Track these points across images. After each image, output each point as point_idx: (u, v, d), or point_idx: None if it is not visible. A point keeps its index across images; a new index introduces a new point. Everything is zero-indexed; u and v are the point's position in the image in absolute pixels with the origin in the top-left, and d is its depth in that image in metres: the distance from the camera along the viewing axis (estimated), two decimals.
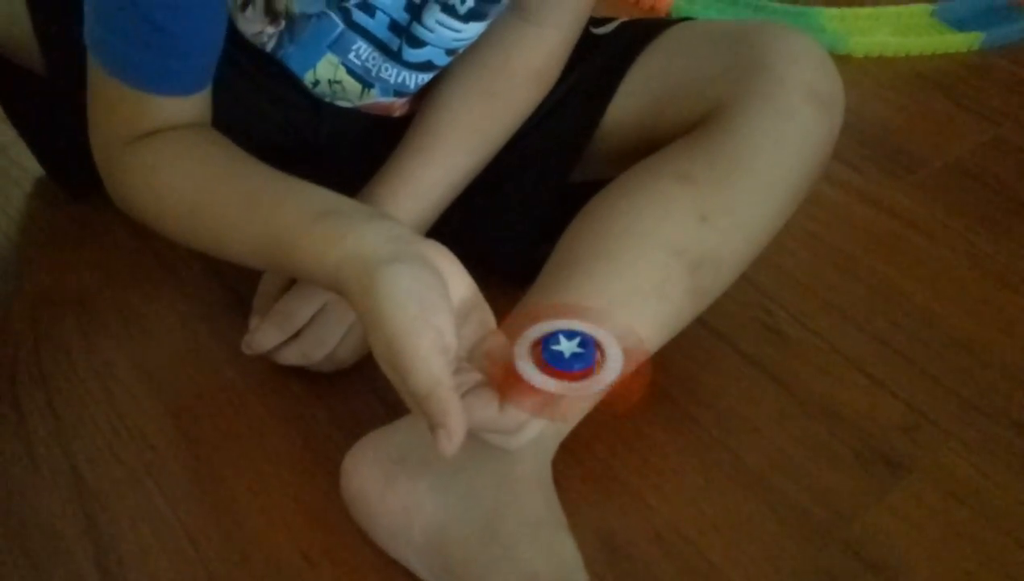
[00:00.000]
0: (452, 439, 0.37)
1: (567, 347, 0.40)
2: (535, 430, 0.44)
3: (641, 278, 0.51)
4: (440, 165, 0.59)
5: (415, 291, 0.39)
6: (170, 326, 0.62)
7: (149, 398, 0.57)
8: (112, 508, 0.51)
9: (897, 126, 0.90)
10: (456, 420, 0.37)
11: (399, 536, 0.46)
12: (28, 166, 0.74)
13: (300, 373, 0.57)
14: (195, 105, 0.52)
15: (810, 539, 0.51)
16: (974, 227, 0.76)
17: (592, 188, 0.57)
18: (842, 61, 0.61)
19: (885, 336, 0.65)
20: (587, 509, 0.52)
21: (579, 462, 0.54)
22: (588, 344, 0.40)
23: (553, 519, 0.45)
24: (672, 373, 0.61)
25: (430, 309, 0.39)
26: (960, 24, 1.03)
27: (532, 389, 0.40)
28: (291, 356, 0.56)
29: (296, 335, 0.56)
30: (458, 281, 0.42)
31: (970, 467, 0.56)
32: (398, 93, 0.59)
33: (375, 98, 0.60)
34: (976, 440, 0.58)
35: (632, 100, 0.60)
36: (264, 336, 0.56)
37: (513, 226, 0.65)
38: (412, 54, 0.56)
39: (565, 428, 0.50)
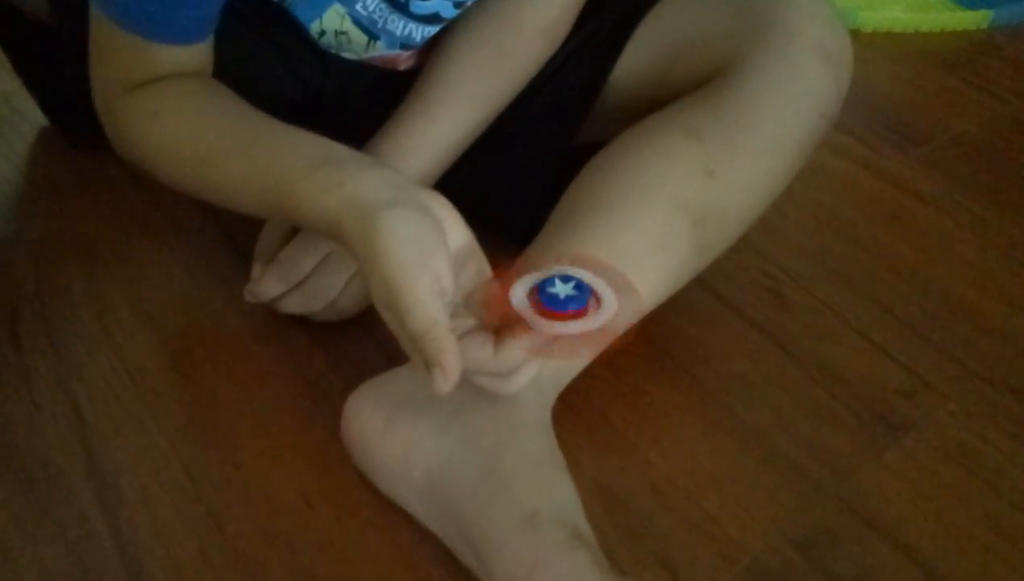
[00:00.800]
0: (448, 378, 0.38)
1: (562, 290, 0.41)
2: (528, 376, 0.44)
3: (645, 231, 0.51)
4: (446, 121, 0.58)
5: (413, 235, 0.39)
6: (172, 273, 0.62)
7: (150, 342, 0.57)
8: (112, 446, 0.51)
9: (904, 101, 0.90)
10: (451, 359, 0.37)
11: (399, 478, 0.46)
12: (32, 115, 0.74)
13: (301, 322, 0.57)
14: (196, 54, 0.52)
15: (807, 494, 0.51)
16: (979, 200, 0.76)
17: (598, 149, 0.57)
18: (851, 36, 0.61)
19: (887, 303, 0.65)
20: (585, 460, 0.52)
21: (578, 416, 0.54)
22: (583, 288, 0.41)
23: (553, 460, 0.45)
24: (672, 333, 0.61)
25: (428, 253, 0.39)
26: (969, 2, 1.03)
27: (527, 329, 0.40)
28: (293, 305, 0.56)
29: (298, 284, 0.56)
30: (455, 229, 0.42)
31: (969, 432, 0.56)
32: (404, 46, 0.59)
33: (381, 51, 0.59)
34: (976, 405, 0.58)
35: (640, 58, 0.60)
36: (266, 285, 0.56)
37: (517, 186, 0.64)
38: (419, 6, 0.56)
39: (564, 378, 0.50)
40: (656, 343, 0.60)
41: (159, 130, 0.50)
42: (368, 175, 0.43)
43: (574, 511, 0.43)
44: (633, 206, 0.51)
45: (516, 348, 0.41)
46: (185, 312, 0.59)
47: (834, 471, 0.53)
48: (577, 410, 0.54)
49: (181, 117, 0.50)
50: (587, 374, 0.52)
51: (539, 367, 0.44)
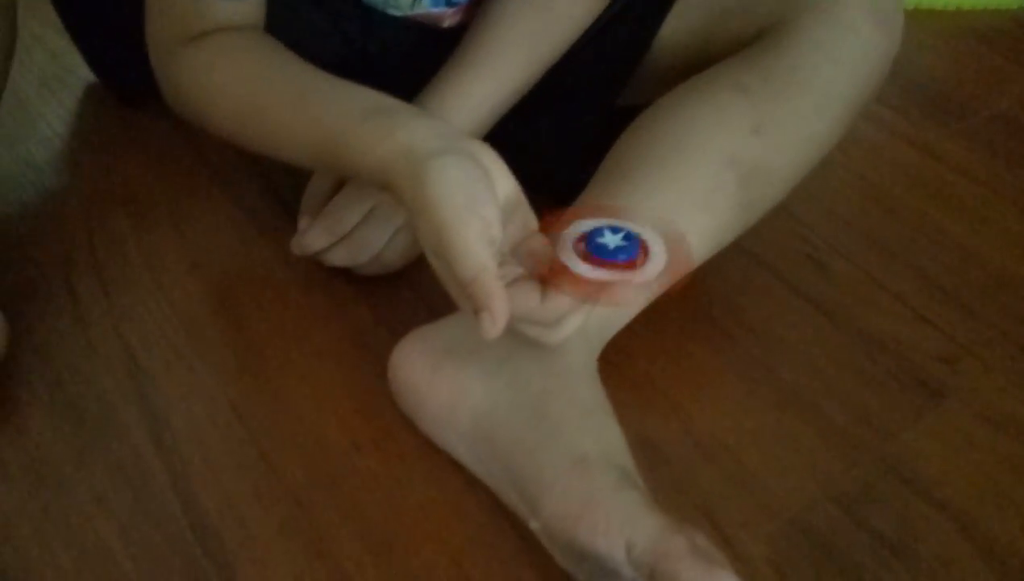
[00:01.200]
0: (496, 322, 0.38)
1: (611, 240, 0.41)
2: (574, 325, 0.44)
3: (691, 187, 0.51)
4: (492, 79, 0.59)
5: (463, 182, 0.40)
6: (219, 226, 0.63)
7: (198, 289, 0.58)
8: (164, 387, 0.52)
9: (945, 76, 0.89)
10: (500, 303, 0.38)
11: (446, 423, 0.47)
12: (80, 72, 0.75)
13: (346, 275, 0.58)
14: (250, 9, 0.52)
15: (847, 453, 0.52)
16: (1019, 173, 0.75)
17: (640, 111, 0.57)
18: None
19: (928, 272, 0.65)
20: (627, 415, 0.52)
21: (620, 373, 0.55)
22: (632, 239, 0.41)
23: (601, 407, 0.45)
24: (713, 296, 0.61)
25: (477, 200, 0.40)
26: None
27: (576, 278, 0.40)
28: (338, 258, 0.57)
29: (344, 237, 0.57)
30: (503, 180, 0.43)
31: (1010, 398, 0.56)
32: (449, 3, 0.59)
33: (426, 7, 0.60)
34: (1016, 374, 0.57)
35: (686, 19, 0.60)
36: (313, 237, 0.57)
37: (560, 146, 0.65)
38: None
39: (610, 329, 0.50)
40: (697, 306, 0.60)
41: (214, 83, 0.51)
42: (418, 124, 0.44)
43: (622, 455, 0.43)
44: (680, 162, 0.51)
45: (564, 296, 0.41)
46: (232, 263, 0.60)
47: (874, 432, 0.53)
48: (619, 368, 0.55)
49: (236, 70, 0.51)
50: (629, 333, 0.52)
51: (586, 317, 0.45)
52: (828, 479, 0.50)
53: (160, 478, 0.47)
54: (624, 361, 0.55)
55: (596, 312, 0.47)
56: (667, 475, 0.50)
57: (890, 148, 0.79)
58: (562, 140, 0.64)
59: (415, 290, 0.58)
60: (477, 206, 0.39)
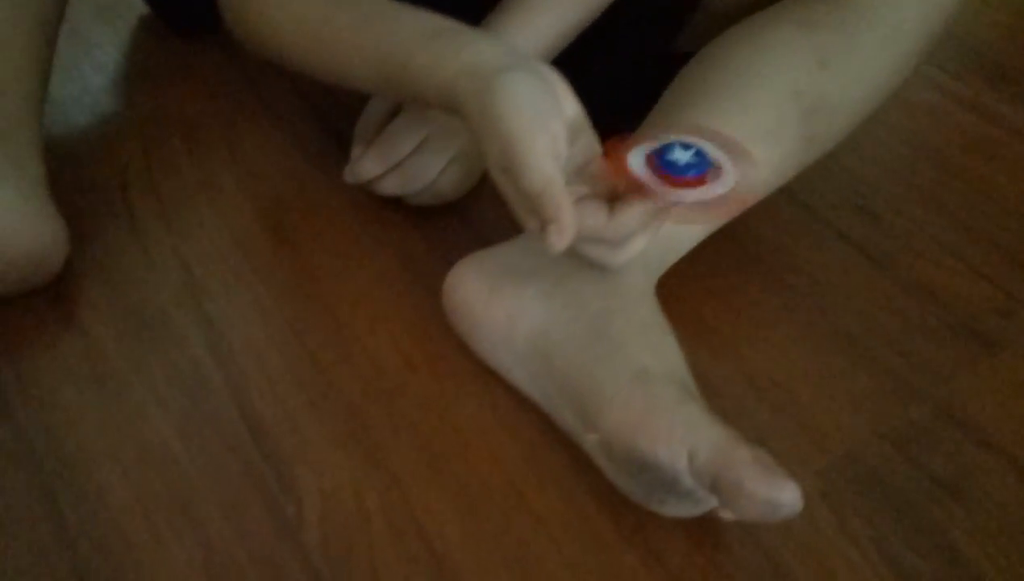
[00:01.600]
0: (563, 234, 0.38)
1: (681, 157, 0.41)
2: (638, 247, 0.44)
3: (756, 118, 0.50)
4: (545, 20, 0.58)
5: (531, 96, 0.40)
6: (272, 154, 0.63)
7: (253, 212, 0.58)
8: (222, 302, 0.52)
9: (999, 43, 0.87)
10: (567, 214, 0.38)
11: (501, 343, 0.47)
12: (135, 4, 0.75)
13: (398, 204, 0.58)
14: None
15: (900, 394, 0.51)
16: None
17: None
18: None
19: (982, 228, 0.64)
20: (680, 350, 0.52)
21: (671, 311, 0.54)
22: (702, 156, 0.41)
23: (660, 325, 0.45)
24: (764, 242, 0.61)
25: (545, 114, 0.40)
26: None
27: (644, 191, 0.40)
28: (391, 186, 0.57)
29: (396, 166, 0.57)
30: (569, 101, 0.43)
31: None
32: None
33: None
34: None
35: None
36: (366, 165, 0.57)
37: (613, 91, 0.64)
38: None
39: (669, 257, 0.50)
40: (748, 250, 0.60)
41: (280, 13, 0.51)
42: (485, 44, 0.44)
43: (683, 371, 0.43)
44: (744, 92, 0.51)
45: (631, 213, 0.41)
46: (285, 189, 0.60)
47: (927, 376, 0.53)
48: (670, 306, 0.54)
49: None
50: (680, 275, 0.52)
51: (647, 242, 0.44)
52: (881, 418, 0.50)
53: (218, 385, 0.48)
54: (674, 300, 0.54)
55: (657, 238, 0.47)
56: (718, 408, 0.49)
57: (945, 110, 0.77)
58: (614, 84, 0.64)
59: (467, 221, 0.58)
60: (545, 119, 0.39)
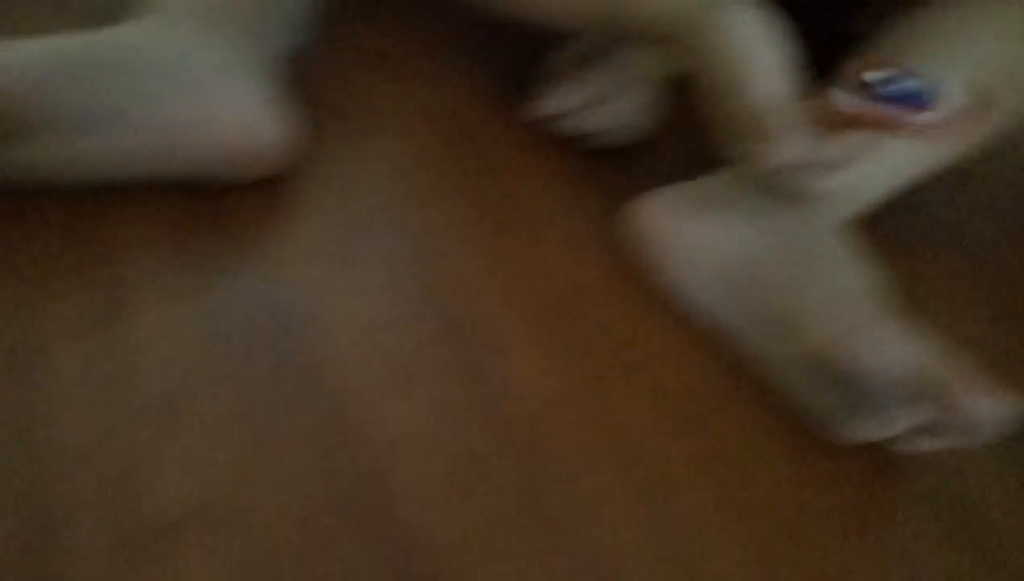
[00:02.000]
0: (780, 150, 0.41)
1: (902, 86, 0.42)
2: (843, 177, 0.45)
3: (993, 61, 0.51)
4: None
5: (755, 29, 0.44)
6: (459, 90, 0.66)
7: (434, 136, 0.61)
8: (428, 208, 0.56)
9: None
10: (786, 132, 0.40)
11: (693, 267, 0.50)
12: None
13: (581, 144, 0.61)
14: None
15: None
16: None
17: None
18: None
19: None
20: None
21: None
22: (924, 86, 0.43)
23: (855, 251, 0.47)
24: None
25: (769, 44, 0.43)
26: None
27: (863, 119, 0.42)
28: (575, 125, 0.60)
29: (582, 104, 0.59)
30: (787, 44, 0.45)
31: None
32: None
33: None
34: None
35: None
36: (551, 102, 0.60)
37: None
38: None
39: (868, 194, 0.51)
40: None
41: None
42: None
43: (886, 294, 0.44)
44: (978, 39, 0.51)
45: (848, 139, 0.43)
46: (470, 119, 0.63)
47: None
48: None
49: None
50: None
51: (852, 173, 0.46)
52: None
53: (427, 282, 0.51)
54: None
55: (848, 181, 0.48)
56: None
57: None
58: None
59: (649, 169, 0.61)
60: (768, 49, 0.43)
